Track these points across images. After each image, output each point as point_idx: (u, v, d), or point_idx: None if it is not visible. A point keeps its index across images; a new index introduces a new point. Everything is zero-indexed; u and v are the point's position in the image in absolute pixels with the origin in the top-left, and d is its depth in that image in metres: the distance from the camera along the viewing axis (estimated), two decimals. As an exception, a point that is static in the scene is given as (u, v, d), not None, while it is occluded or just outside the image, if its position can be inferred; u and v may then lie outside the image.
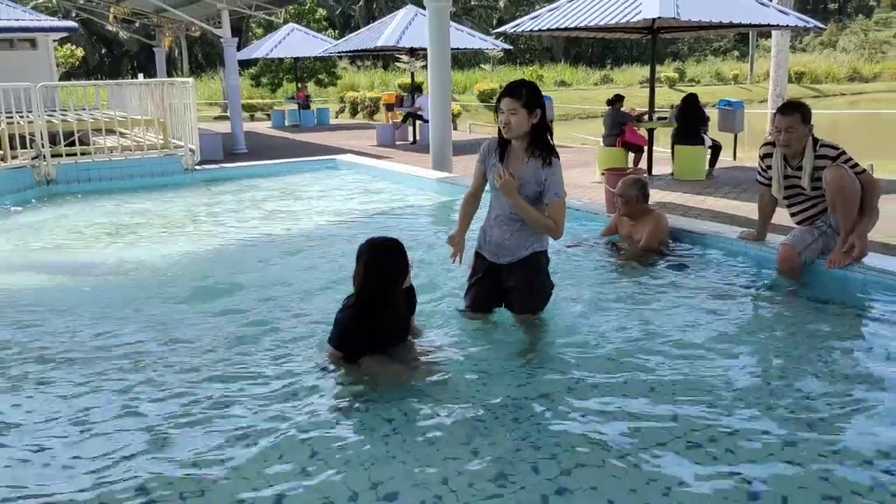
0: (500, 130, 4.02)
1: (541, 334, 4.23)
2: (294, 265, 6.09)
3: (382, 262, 3.63)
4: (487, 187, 4.27)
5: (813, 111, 4.99)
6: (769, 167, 5.15)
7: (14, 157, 10.18)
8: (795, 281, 4.97)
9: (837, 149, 4.83)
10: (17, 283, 5.80)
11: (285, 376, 3.69)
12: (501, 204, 4.12)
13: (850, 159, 4.80)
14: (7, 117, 10.24)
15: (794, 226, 5.22)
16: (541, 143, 4.00)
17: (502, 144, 4.10)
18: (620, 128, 11.45)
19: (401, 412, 3.29)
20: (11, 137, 10.20)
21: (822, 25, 13.54)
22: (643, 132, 11.79)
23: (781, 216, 5.46)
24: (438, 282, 5.12)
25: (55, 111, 12.52)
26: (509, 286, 4.19)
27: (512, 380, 3.64)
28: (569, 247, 5.94)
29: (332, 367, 3.67)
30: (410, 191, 9.46)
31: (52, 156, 10.28)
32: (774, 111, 5.23)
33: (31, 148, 10.33)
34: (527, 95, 3.91)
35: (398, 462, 2.88)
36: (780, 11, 11.20)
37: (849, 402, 3.30)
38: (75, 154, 10.68)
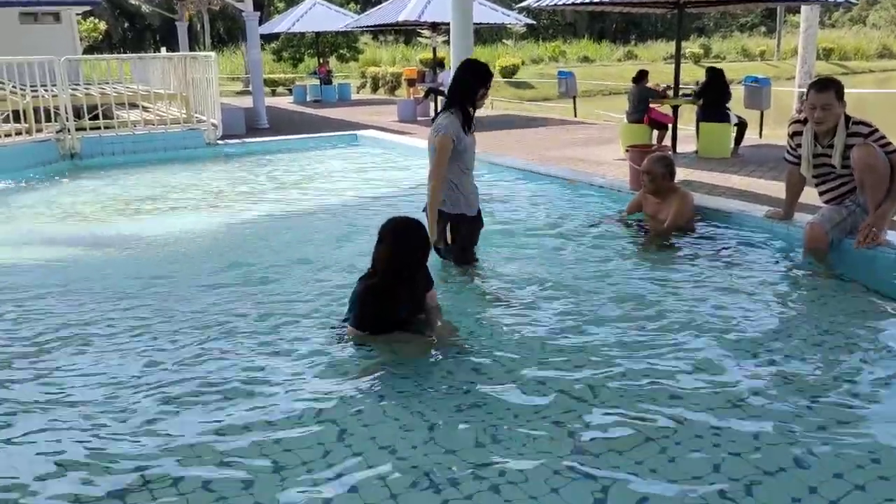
0: (474, 108, 4.76)
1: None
2: (315, 239, 6.10)
3: (407, 243, 3.63)
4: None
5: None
6: (798, 145, 5.06)
7: (39, 131, 10.25)
8: (823, 260, 4.90)
9: (870, 126, 4.73)
10: (41, 255, 5.86)
11: (306, 351, 3.71)
12: (472, 165, 4.85)
13: (883, 137, 4.71)
14: (32, 90, 10.29)
15: (821, 205, 5.14)
16: None
17: (469, 119, 4.70)
18: (647, 104, 11.30)
19: (419, 387, 3.30)
20: (36, 110, 10.26)
21: (853, 0, 13.27)
22: (668, 110, 11.64)
23: (808, 195, 5.38)
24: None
25: (79, 85, 12.57)
26: (479, 230, 4.99)
27: (532, 356, 3.62)
28: (593, 226, 5.90)
29: (352, 343, 3.68)
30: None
31: (77, 129, 10.35)
32: (803, 88, 5.12)
33: (56, 121, 10.39)
34: None
35: (415, 436, 2.88)
36: (811, -14, 10.98)
37: (878, 384, 3.26)
38: (99, 128, 10.74)
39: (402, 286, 3.65)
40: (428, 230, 4.20)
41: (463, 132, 4.63)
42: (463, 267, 4.81)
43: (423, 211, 4.70)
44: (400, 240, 3.63)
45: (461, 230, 4.77)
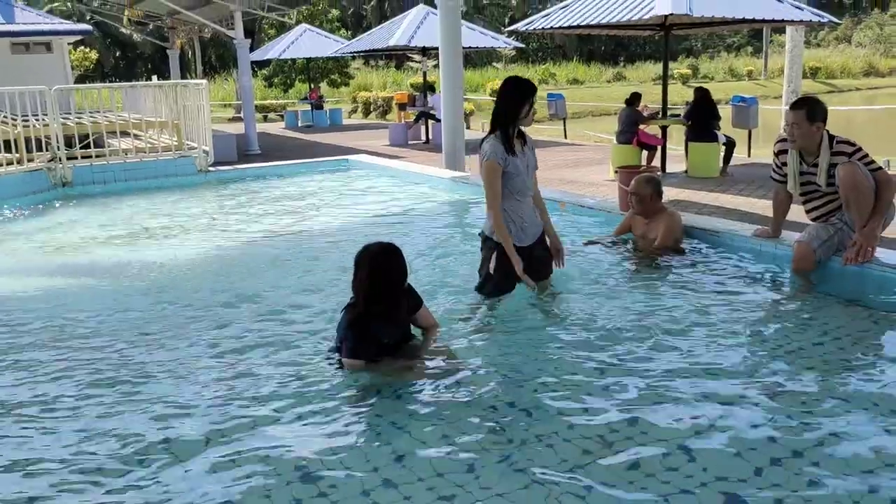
0: (514, 124, 4.42)
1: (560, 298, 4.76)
2: (307, 266, 6.10)
3: (386, 267, 3.64)
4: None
5: (828, 107, 4.95)
6: (784, 164, 5.11)
7: (30, 160, 10.26)
8: (810, 278, 4.93)
9: (853, 145, 4.79)
10: (32, 285, 5.85)
11: (298, 375, 3.71)
12: (527, 189, 4.55)
13: (866, 156, 4.77)
14: (23, 120, 10.32)
15: (808, 222, 5.19)
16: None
17: (511, 140, 4.42)
18: (636, 126, 11.40)
19: (410, 410, 3.31)
20: (27, 140, 10.27)
21: (836, 20, 13.45)
22: (657, 131, 11.74)
23: (795, 213, 5.43)
24: (450, 280, 5.13)
25: (70, 114, 12.61)
26: (539, 257, 4.66)
27: (523, 377, 3.63)
28: (586, 244, 5.93)
29: (343, 372, 3.69)
30: (423, 190, 9.46)
31: (68, 158, 10.36)
32: (789, 107, 5.19)
33: (47, 150, 10.41)
34: None
35: (406, 460, 2.89)
36: (795, 6, 11.12)
37: (862, 399, 3.28)
38: (90, 156, 10.76)
39: (385, 311, 3.66)
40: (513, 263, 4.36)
41: (509, 154, 4.38)
42: (481, 295, 4.63)
43: (479, 235, 4.68)
44: (377, 264, 3.64)
45: (501, 260, 4.48)
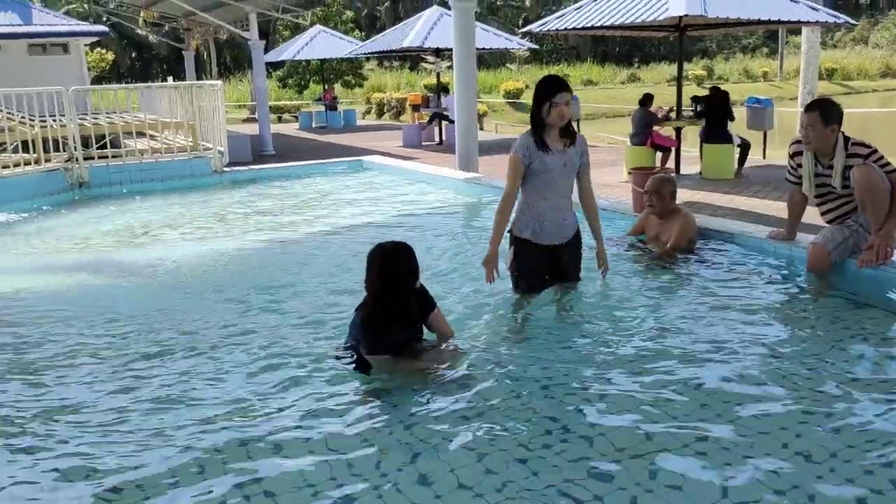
0: (542, 122, 4.36)
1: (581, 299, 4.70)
2: (321, 266, 6.13)
3: (394, 266, 3.67)
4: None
5: (844, 108, 4.92)
6: (799, 165, 5.09)
7: (47, 161, 10.36)
8: (825, 280, 4.91)
9: (869, 147, 4.76)
10: (50, 285, 5.91)
11: (309, 373, 3.74)
12: (558, 189, 4.47)
13: (882, 158, 4.74)
14: (41, 121, 10.42)
15: (823, 225, 5.16)
16: (569, 126, 4.48)
17: (541, 137, 4.38)
18: (650, 127, 11.37)
19: (417, 411, 3.32)
20: (45, 141, 10.37)
21: (853, 21, 13.36)
22: (671, 132, 11.71)
23: (810, 216, 5.40)
24: (462, 280, 5.14)
25: (87, 114, 12.71)
26: (566, 261, 4.61)
27: (534, 378, 3.63)
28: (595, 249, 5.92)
29: (351, 371, 3.71)
30: (437, 191, 9.48)
31: (85, 158, 10.45)
32: (804, 109, 5.16)
33: (64, 151, 10.51)
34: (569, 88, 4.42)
35: (414, 461, 2.90)
36: (810, 7, 11.06)
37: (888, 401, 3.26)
38: (107, 157, 10.84)
39: (397, 308, 3.68)
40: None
41: (539, 151, 4.35)
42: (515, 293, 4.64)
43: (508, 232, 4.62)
44: (387, 261, 3.67)
45: (517, 255, 4.54)
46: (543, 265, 4.55)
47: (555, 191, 4.45)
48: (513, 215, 4.56)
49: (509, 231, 4.56)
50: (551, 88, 4.31)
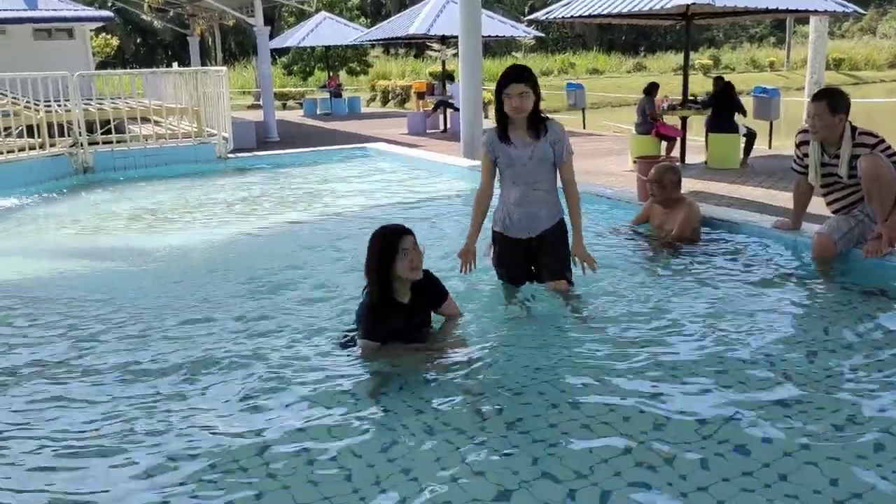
0: (502, 115, 4.25)
1: (582, 301, 4.49)
2: (325, 251, 6.14)
3: (394, 248, 3.64)
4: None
5: (851, 98, 4.89)
6: (806, 155, 5.07)
7: (52, 145, 10.37)
8: (830, 270, 4.90)
9: (876, 137, 4.74)
10: (55, 269, 5.93)
11: (314, 360, 3.75)
12: (526, 181, 4.33)
13: (889, 148, 4.72)
14: (45, 105, 10.42)
15: (828, 214, 5.15)
16: (538, 117, 4.27)
17: (504, 130, 4.29)
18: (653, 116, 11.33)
19: (422, 399, 3.32)
20: (49, 125, 10.38)
21: (861, 11, 13.26)
22: (676, 121, 11.66)
23: (816, 205, 5.38)
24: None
25: (92, 100, 12.71)
26: (545, 255, 4.44)
27: (537, 367, 3.63)
28: (600, 236, 5.91)
29: (356, 360, 3.70)
30: (441, 178, 9.47)
31: (89, 143, 10.46)
32: (811, 99, 5.15)
33: (69, 136, 10.51)
34: (531, 77, 4.19)
35: (416, 448, 2.91)
36: (819, -4, 10.98)
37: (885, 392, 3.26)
38: (111, 142, 10.86)
39: (386, 292, 3.67)
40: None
41: (502, 144, 4.29)
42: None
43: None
44: (385, 245, 3.65)
45: (494, 247, 4.56)
46: (518, 257, 4.49)
47: (522, 184, 4.35)
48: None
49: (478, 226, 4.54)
50: (503, 79, 4.17)
